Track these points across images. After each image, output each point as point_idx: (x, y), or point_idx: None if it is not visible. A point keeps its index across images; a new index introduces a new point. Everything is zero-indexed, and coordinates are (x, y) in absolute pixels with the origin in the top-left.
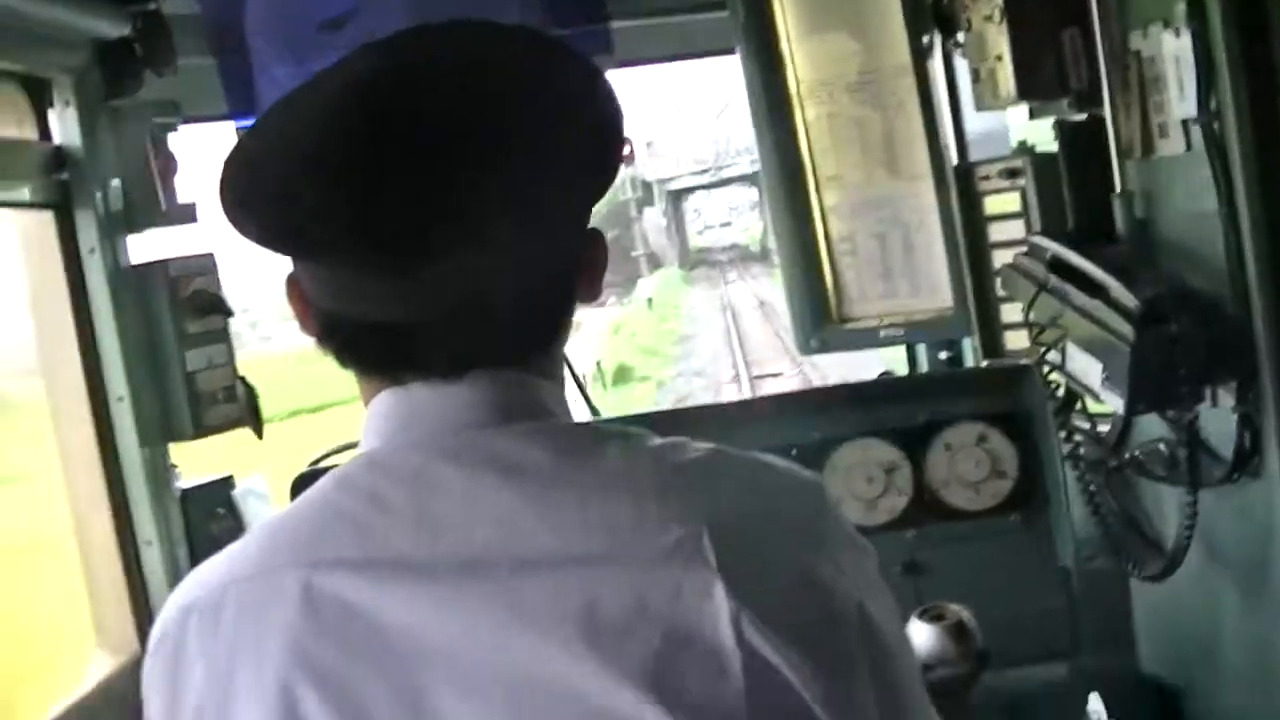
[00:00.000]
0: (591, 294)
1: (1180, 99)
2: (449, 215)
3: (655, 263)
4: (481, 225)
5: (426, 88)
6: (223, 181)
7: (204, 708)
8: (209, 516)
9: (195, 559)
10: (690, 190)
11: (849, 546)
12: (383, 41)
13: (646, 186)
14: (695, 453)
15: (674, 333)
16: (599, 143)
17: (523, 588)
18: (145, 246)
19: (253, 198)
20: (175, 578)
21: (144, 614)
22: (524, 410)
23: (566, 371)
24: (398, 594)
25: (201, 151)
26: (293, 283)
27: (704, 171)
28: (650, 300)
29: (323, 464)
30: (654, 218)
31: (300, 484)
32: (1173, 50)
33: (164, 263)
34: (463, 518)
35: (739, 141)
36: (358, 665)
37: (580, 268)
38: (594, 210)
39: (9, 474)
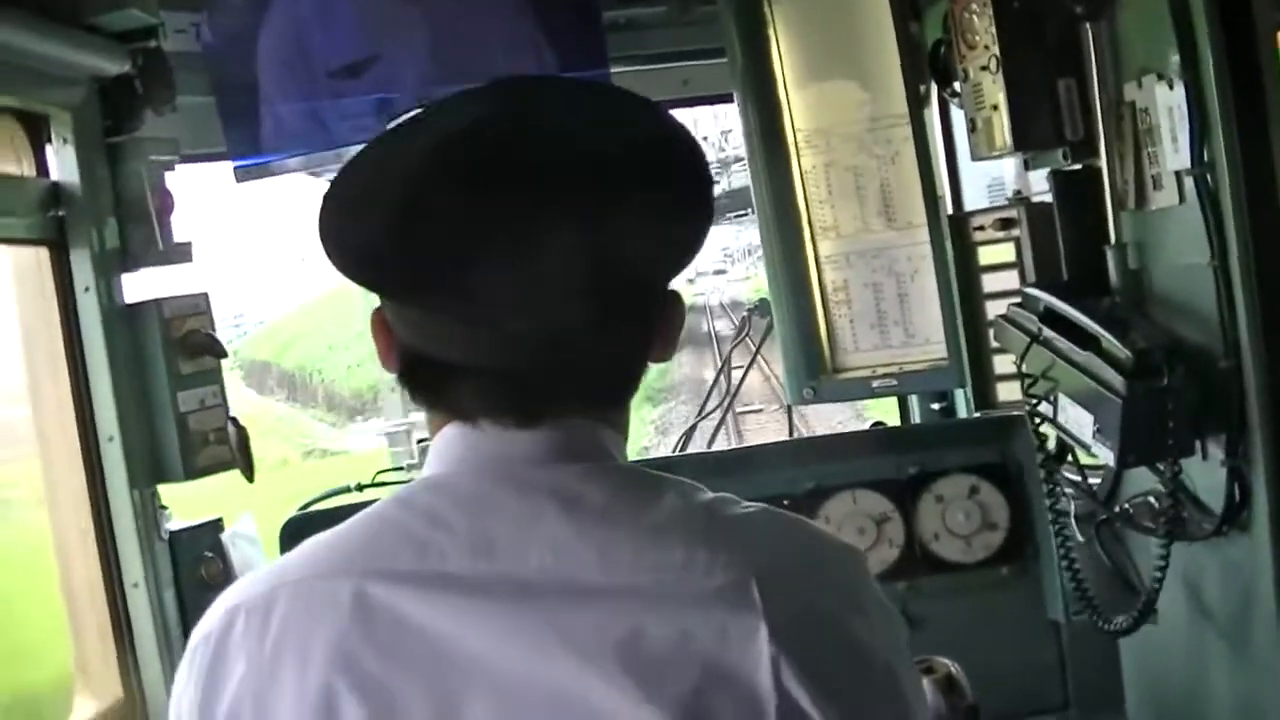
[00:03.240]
0: (665, 354)
1: (1174, 151)
2: (545, 273)
3: None
4: (575, 284)
5: (524, 143)
6: (323, 223)
7: (241, 700)
8: (197, 559)
9: (182, 602)
10: None
11: (884, 613)
12: (480, 91)
13: None
14: (747, 508)
15: None
16: (692, 209)
17: (570, 613)
18: (140, 285)
19: (353, 240)
20: (161, 621)
21: (128, 658)
22: (586, 452)
23: None
24: (449, 608)
25: (199, 190)
26: (379, 317)
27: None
28: None
29: (314, 507)
30: None
31: (291, 527)
32: (1167, 102)
33: (158, 302)
34: (519, 542)
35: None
36: (401, 673)
37: (657, 328)
38: None
39: None
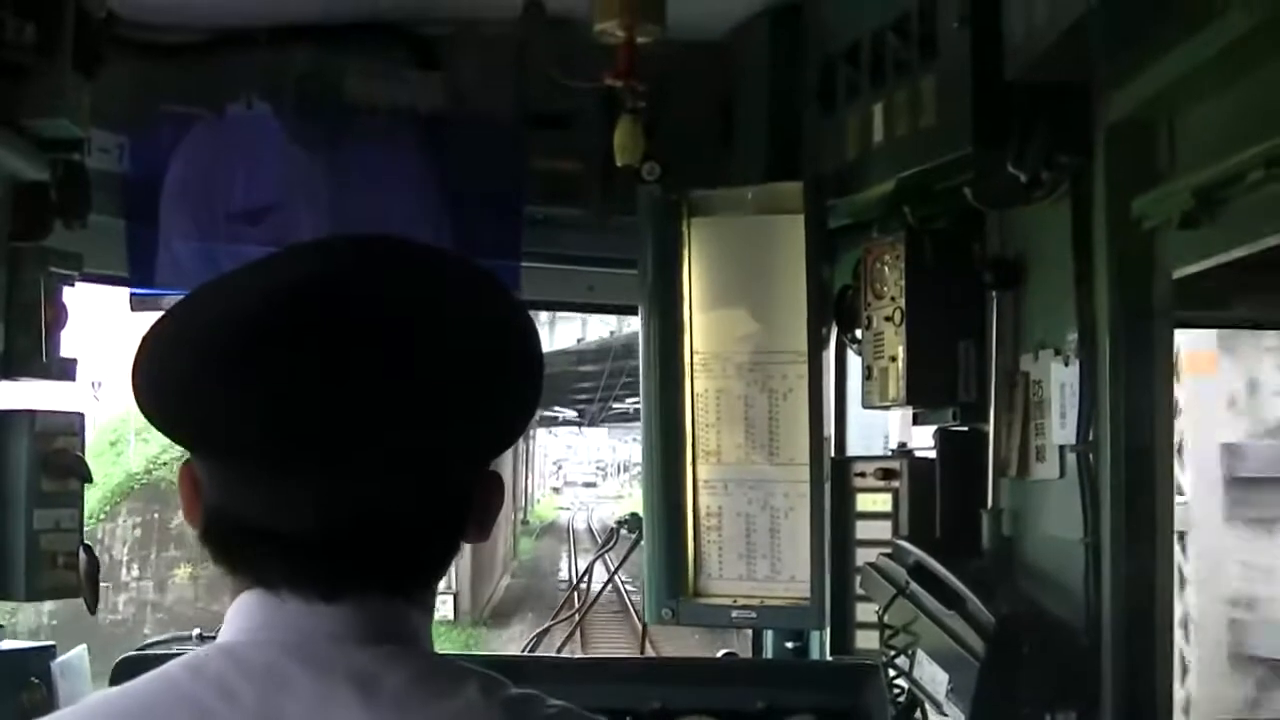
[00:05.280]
0: (480, 535)
1: (1061, 425)
2: (354, 433)
3: None
4: (384, 448)
5: (361, 305)
6: (137, 366)
7: None
8: (21, 685)
9: None
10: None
11: None
12: (313, 246)
13: None
14: (549, 709)
15: None
16: (518, 388)
17: None
18: (15, 392)
19: (168, 387)
20: None
21: None
22: (390, 635)
23: None
24: None
25: (94, 311)
26: (188, 470)
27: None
28: None
29: (151, 650)
30: None
31: (124, 667)
32: (1060, 378)
33: (31, 414)
34: None
35: None
36: None
37: (473, 508)
38: None
39: None
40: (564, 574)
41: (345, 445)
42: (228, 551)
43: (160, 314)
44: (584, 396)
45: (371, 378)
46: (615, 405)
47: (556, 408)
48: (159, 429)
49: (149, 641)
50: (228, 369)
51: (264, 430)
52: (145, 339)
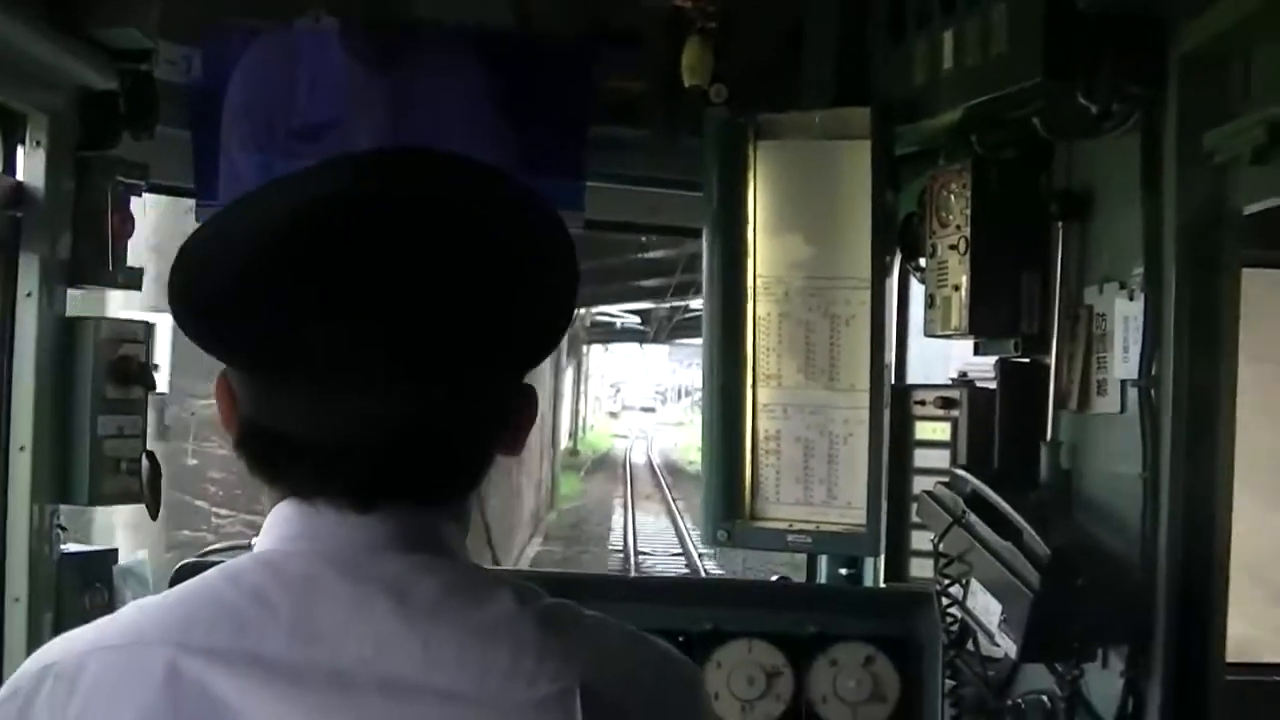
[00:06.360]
0: (514, 448)
1: (1123, 360)
2: (390, 346)
3: None
4: (422, 361)
5: (393, 215)
6: (173, 278)
7: None
8: (84, 587)
9: (60, 627)
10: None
11: None
12: (354, 159)
13: None
14: (583, 617)
15: None
16: (553, 295)
17: (382, 708)
18: (82, 302)
19: (200, 296)
20: (36, 641)
21: None
22: (424, 544)
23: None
24: (260, 691)
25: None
26: (224, 381)
27: None
28: None
29: (211, 557)
30: None
31: (183, 573)
32: (1124, 311)
33: (98, 321)
34: (341, 629)
35: None
36: None
37: (509, 420)
38: None
39: None
40: (617, 535)
41: (384, 359)
42: (263, 463)
43: (197, 229)
44: (652, 284)
45: (409, 290)
46: (693, 308)
47: (607, 310)
48: (195, 342)
49: (209, 549)
50: (262, 285)
51: (300, 346)
52: (181, 253)
